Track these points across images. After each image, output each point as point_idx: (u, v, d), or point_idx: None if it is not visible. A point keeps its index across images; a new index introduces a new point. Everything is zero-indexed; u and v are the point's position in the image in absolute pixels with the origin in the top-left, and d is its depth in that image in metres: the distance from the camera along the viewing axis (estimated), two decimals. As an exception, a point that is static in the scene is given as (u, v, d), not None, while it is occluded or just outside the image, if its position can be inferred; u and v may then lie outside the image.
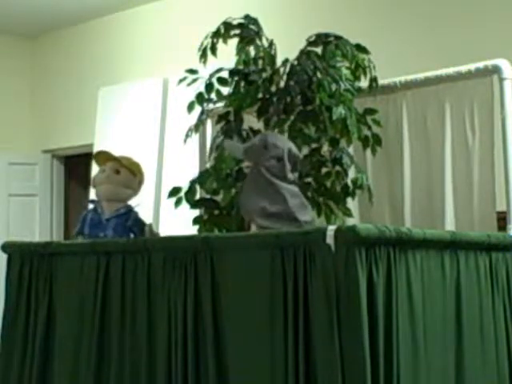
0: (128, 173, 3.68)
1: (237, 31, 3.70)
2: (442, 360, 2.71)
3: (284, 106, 3.62)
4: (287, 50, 3.69)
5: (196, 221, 3.74)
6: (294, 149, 3.16)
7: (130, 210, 3.67)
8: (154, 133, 6.96)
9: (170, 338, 2.93)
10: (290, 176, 3.10)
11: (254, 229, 3.05)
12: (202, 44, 3.69)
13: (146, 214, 4.13)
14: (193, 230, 3.76)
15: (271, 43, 3.70)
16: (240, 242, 2.86)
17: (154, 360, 3.00)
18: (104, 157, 3.78)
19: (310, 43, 3.67)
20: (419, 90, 3.87)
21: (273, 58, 3.68)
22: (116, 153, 3.79)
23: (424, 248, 2.70)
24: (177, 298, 2.92)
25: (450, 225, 3.71)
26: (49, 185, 8.43)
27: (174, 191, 3.73)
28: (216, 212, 3.66)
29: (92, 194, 3.95)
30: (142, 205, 4.17)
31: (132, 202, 3.71)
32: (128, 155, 3.85)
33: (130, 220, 3.62)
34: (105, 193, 3.65)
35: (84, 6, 7.57)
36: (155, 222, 6.24)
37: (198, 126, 3.76)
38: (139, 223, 3.63)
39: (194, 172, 3.90)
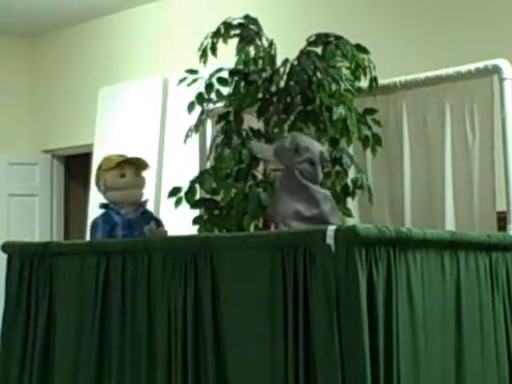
0: (143, 175, 3.84)
1: (237, 31, 3.70)
2: (442, 360, 2.71)
3: (284, 106, 3.62)
4: (287, 50, 3.69)
5: (196, 221, 3.74)
6: (325, 152, 3.16)
7: (145, 209, 3.84)
8: (154, 133, 6.96)
9: (170, 338, 2.93)
10: (321, 178, 3.10)
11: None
12: (201, 44, 3.70)
13: (145, 214, 4.15)
14: (193, 230, 3.76)
15: (271, 43, 3.70)
16: (240, 242, 2.86)
17: (154, 360, 3.00)
18: (114, 158, 3.83)
19: (309, 43, 3.67)
20: (419, 90, 3.87)
21: (273, 58, 3.68)
22: (116, 153, 3.80)
23: (424, 248, 2.69)
24: (177, 298, 2.92)
25: (449, 225, 3.71)
26: (49, 185, 8.43)
27: (174, 191, 3.73)
28: (216, 212, 3.66)
29: (93, 195, 3.97)
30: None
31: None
32: (130, 153, 3.89)
33: (150, 217, 3.78)
34: (134, 197, 3.80)
35: (84, 5, 7.57)
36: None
37: (198, 125, 3.76)
38: (156, 219, 3.81)
39: (193, 172, 3.89)
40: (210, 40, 3.69)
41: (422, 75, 3.84)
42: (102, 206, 3.85)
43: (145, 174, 3.85)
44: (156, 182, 6.74)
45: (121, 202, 3.77)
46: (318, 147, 3.14)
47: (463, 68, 3.71)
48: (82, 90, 7.98)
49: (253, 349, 2.70)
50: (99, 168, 3.87)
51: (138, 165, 3.84)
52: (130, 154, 3.90)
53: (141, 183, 3.84)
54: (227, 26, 3.70)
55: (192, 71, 3.74)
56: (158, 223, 3.77)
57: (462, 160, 3.74)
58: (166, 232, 3.59)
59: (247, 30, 3.68)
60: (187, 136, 3.74)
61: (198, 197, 3.75)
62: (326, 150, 3.59)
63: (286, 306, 2.60)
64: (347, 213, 3.67)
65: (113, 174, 3.79)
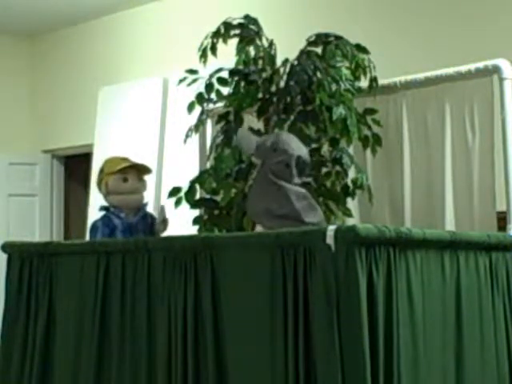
0: (145, 179, 3.86)
1: (237, 31, 3.70)
2: (442, 359, 2.71)
3: (284, 106, 3.62)
4: (287, 50, 3.69)
5: (196, 221, 3.74)
6: (305, 155, 3.16)
7: (145, 212, 3.86)
8: (154, 133, 6.95)
9: (170, 338, 2.93)
10: (297, 180, 3.10)
11: (259, 229, 3.06)
12: (201, 44, 3.70)
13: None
14: (193, 230, 3.76)
15: (271, 43, 3.70)
16: (240, 242, 2.86)
17: (154, 360, 3.00)
18: (118, 161, 3.84)
19: (309, 43, 3.68)
20: (419, 90, 3.87)
21: (273, 58, 3.68)
22: (116, 153, 3.81)
23: (424, 248, 2.69)
24: (177, 297, 2.92)
25: (449, 225, 3.71)
26: (49, 185, 8.43)
27: (174, 191, 3.73)
28: (216, 212, 3.66)
29: (93, 196, 3.97)
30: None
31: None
32: (130, 153, 3.90)
33: (152, 219, 3.84)
34: (135, 202, 3.82)
35: (84, 5, 7.57)
36: (155, 222, 6.23)
37: (198, 125, 3.76)
38: (154, 220, 3.86)
39: (194, 172, 3.90)
40: (209, 40, 3.69)
41: (421, 75, 3.84)
42: (102, 208, 3.86)
43: (146, 177, 3.86)
44: (156, 181, 6.73)
45: (121, 206, 3.79)
46: (298, 151, 3.13)
47: (463, 68, 3.71)
48: (82, 90, 7.98)
49: (253, 348, 2.70)
50: (101, 171, 3.87)
51: (141, 170, 3.85)
52: (132, 156, 3.90)
53: (142, 188, 3.85)
54: (227, 25, 3.70)
55: (192, 71, 3.74)
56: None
57: (462, 160, 3.74)
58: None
59: (247, 30, 3.69)
60: (187, 136, 3.75)
61: (198, 197, 3.75)
62: (327, 150, 3.60)
63: (286, 306, 2.60)
64: (347, 213, 3.67)
65: (115, 178, 3.80)
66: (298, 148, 3.15)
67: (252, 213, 3.12)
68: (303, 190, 3.11)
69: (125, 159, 3.90)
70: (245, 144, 3.26)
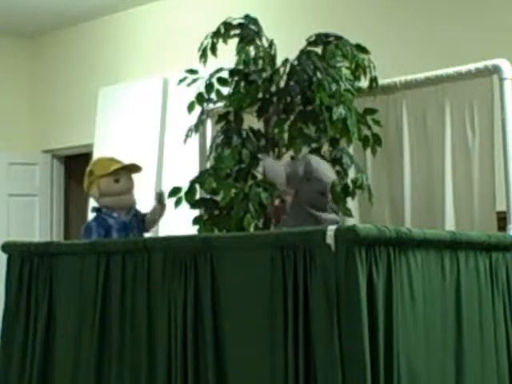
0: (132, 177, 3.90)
1: (237, 31, 3.70)
2: (442, 359, 2.71)
3: (284, 106, 3.62)
4: (287, 50, 3.69)
5: (196, 221, 3.74)
6: (334, 178, 3.16)
7: (136, 211, 3.90)
8: (154, 133, 6.95)
9: (170, 338, 2.93)
10: (330, 205, 3.11)
11: None
12: (201, 44, 3.70)
13: (146, 214, 4.16)
14: (193, 230, 3.77)
15: (271, 43, 3.70)
16: (240, 242, 2.86)
17: (154, 359, 3.00)
18: (106, 162, 3.86)
19: (309, 43, 3.68)
20: (419, 90, 3.87)
21: (273, 58, 3.68)
22: (115, 153, 3.83)
23: (424, 248, 2.69)
24: (177, 297, 2.92)
25: (449, 225, 3.71)
26: (49, 185, 8.42)
27: (174, 191, 3.73)
28: (216, 212, 3.66)
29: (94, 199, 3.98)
30: (143, 205, 4.20)
31: None
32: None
33: (142, 216, 3.89)
34: (128, 202, 3.87)
35: (84, 5, 7.56)
36: (155, 222, 6.23)
37: (198, 125, 3.76)
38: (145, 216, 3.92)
39: (194, 172, 3.90)
40: (210, 40, 3.69)
41: (421, 75, 3.84)
42: (94, 209, 3.88)
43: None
44: (156, 182, 6.73)
45: (114, 207, 3.81)
46: (331, 177, 3.14)
47: (463, 68, 3.71)
48: (82, 90, 7.97)
49: (253, 348, 2.70)
50: (91, 173, 3.88)
51: (132, 169, 3.88)
52: (132, 156, 3.93)
53: (132, 187, 3.88)
54: (227, 25, 3.70)
55: (192, 71, 3.74)
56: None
57: (462, 160, 3.74)
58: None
59: (247, 30, 3.69)
60: (187, 136, 3.75)
61: (198, 197, 3.75)
62: (327, 150, 3.61)
63: (286, 306, 2.60)
64: (347, 213, 3.67)
65: (107, 179, 3.82)
66: (329, 173, 3.15)
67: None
68: (336, 217, 3.12)
69: (112, 159, 3.94)
70: (271, 174, 3.25)
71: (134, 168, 3.91)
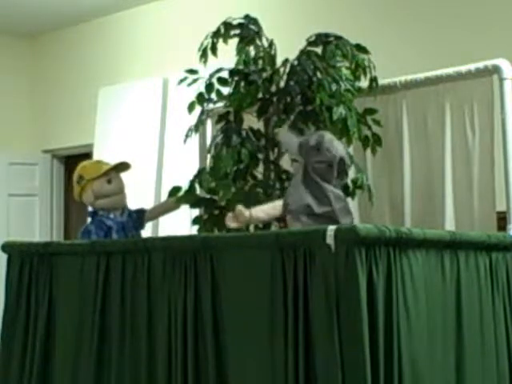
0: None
1: (237, 31, 3.70)
2: (443, 359, 2.71)
3: (284, 106, 3.62)
4: (287, 50, 3.69)
5: (196, 221, 3.74)
6: (347, 157, 3.22)
7: (129, 210, 3.94)
8: (154, 133, 6.95)
9: (170, 338, 2.93)
10: (336, 182, 3.17)
11: (296, 225, 3.08)
12: (202, 44, 3.70)
13: (146, 214, 4.16)
14: (193, 230, 3.77)
15: (271, 43, 3.70)
16: (240, 242, 2.86)
17: (154, 359, 3.00)
18: (96, 166, 3.88)
19: (309, 43, 3.68)
20: (419, 90, 3.87)
21: (273, 58, 3.68)
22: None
23: (424, 248, 2.70)
24: (177, 297, 2.92)
25: (449, 225, 3.71)
26: (49, 185, 8.42)
27: (174, 191, 3.73)
28: (216, 212, 3.66)
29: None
30: (143, 204, 4.20)
31: None
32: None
33: (136, 215, 3.93)
34: (123, 201, 3.94)
35: (84, 6, 7.56)
36: (155, 222, 6.23)
37: (198, 125, 3.76)
38: (139, 213, 3.96)
39: (193, 172, 3.90)
40: (210, 40, 3.69)
41: (421, 75, 3.84)
42: (91, 213, 3.89)
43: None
44: (156, 181, 6.73)
45: (109, 208, 3.82)
46: (341, 152, 3.19)
47: (463, 68, 3.71)
48: (82, 90, 7.97)
49: (253, 348, 2.70)
50: (80, 178, 3.89)
51: (120, 168, 3.89)
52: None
53: (124, 186, 3.90)
54: (227, 26, 3.70)
55: (192, 71, 3.74)
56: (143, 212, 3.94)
57: (462, 160, 3.74)
58: None
59: (247, 30, 3.69)
60: (187, 136, 3.75)
61: (197, 196, 3.75)
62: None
63: (286, 306, 2.60)
64: (347, 213, 3.67)
65: (100, 181, 3.83)
66: (340, 149, 3.20)
67: (290, 208, 3.14)
68: (341, 193, 3.19)
69: (99, 162, 3.97)
70: (286, 143, 3.32)
71: (123, 167, 3.92)
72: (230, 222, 3.16)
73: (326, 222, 3.01)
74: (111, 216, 3.82)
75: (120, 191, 3.90)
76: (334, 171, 3.16)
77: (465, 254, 2.86)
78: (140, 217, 3.97)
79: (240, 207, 3.17)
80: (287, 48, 3.74)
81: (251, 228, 3.57)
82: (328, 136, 3.23)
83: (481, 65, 3.64)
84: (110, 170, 3.87)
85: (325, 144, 3.17)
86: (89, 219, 4.00)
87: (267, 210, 3.22)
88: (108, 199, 3.84)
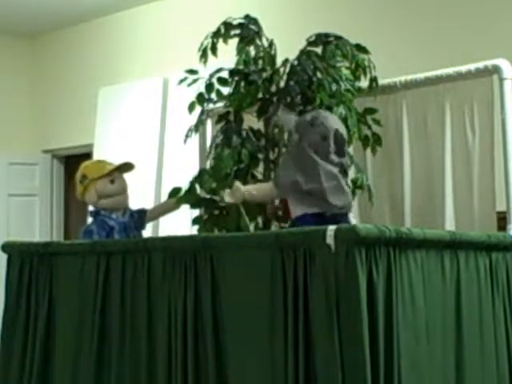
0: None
1: (237, 31, 3.70)
2: (442, 359, 2.71)
3: (284, 106, 3.61)
4: (287, 50, 3.69)
5: (196, 221, 3.74)
6: (343, 132, 3.16)
7: (131, 211, 3.95)
8: (154, 133, 6.95)
9: (170, 338, 2.93)
10: (334, 158, 3.08)
11: (273, 191, 3.11)
12: (202, 44, 3.69)
13: (146, 214, 4.16)
14: (193, 230, 3.77)
15: (271, 43, 3.70)
16: (240, 242, 2.86)
17: (154, 359, 3.00)
18: (98, 165, 3.88)
19: (309, 43, 3.67)
20: (419, 90, 3.87)
21: (273, 58, 3.68)
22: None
23: (424, 248, 2.70)
24: (177, 298, 2.92)
25: (449, 225, 3.71)
26: (49, 185, 8.42)
27: (174, 191, 3.73)
28: (216, 212, 3.66)
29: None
30: (143, 205, 4.20)
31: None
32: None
33: (137, 215, 3.93)
34: (126, 201, 3.93)
35: (84, 6, 7.57)
36: (155, 222, 6.23)
37: (198, 125, 3.76)
38: (140, 213, 3.96)
39: (194, 172, 3.90)
40: (210, 40, 3.69)
41: (421, 75, 3.84)
42: (93, 213, 3.88)
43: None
44: (156, 181, 6.74)
45: (112, 208, 3.82)
46: (336, 125, 3.14)
47: (463, 68, 3.71)
48: (82, 90, 7.97)
49: (253, 348, 2.70)
50: (84, 178, 3.88)
51: (123, 169, 3.89)
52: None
53: (127, 186, 3.90)
54: (227, 25, 3.70)
55: (192, 71, 3.74)
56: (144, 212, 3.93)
57: (462, 160, 3.74)
58: None
59: (247, 30, 3.68)
60: (187, 136, 3.74)
61: (197, 197, 3.75)
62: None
63: (286, 306, 2.60)
64: (347, 213, 3.67)
65: (103, 181, 3.83)
66: (335, 123, 3.16)
67: (279, 184, 3.12)
68: (335, 171, 3.07)
69: (102, 161, 3.96)
70: (284, 120, 3.32)
71: (126, 167, 3.92)
72: (228, 198, 3.19)
73: (312, 199, 2.98)
74: (113, 216, 3.82)
75: (123, 191, 3.91)
76: (330, 143, 3.08)
77: (465, 254, 2.86)
78: (141, 217, 3.97)
79: (237, 183, 3.20)
80: (287, 48, 3.74)
81: (251, 228, 3.57)
82: (324, 113, 3.21)
83: (481, 65, 3.64)
84: (113, 171, 3.87)
85: (320, 119, 3.13)
86: (89, 219, 4.00)
87: (260, 187, 3.26)
88: (111, 199, 3.85)
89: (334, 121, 3.18)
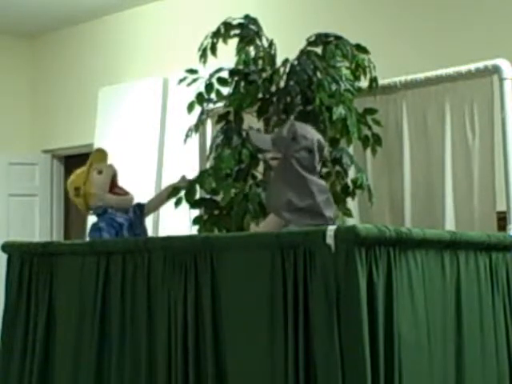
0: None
1: (237, 31, 3.70)
2: (443, 359, 2.71)
3: (284, 106, 3.62)
4: (287, 50, 3.69)
5: (196, 221, 3.74)
6: (322, 140, 3.17)
7: (132, 206, 3.93)
8: (153, 133, 6.95)
9: (170, 338, 2.93)
10: (318, 167, 3.11)
11: (280, 222, 3.04)
12: (201, 44, 3.70)
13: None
14: (193, 230, 3.77)
15: (271, 43, 3.70)
16: (240, 242, 2.86)
17: (154, 359, 2.99)
18: (81, 171, 3.90)
19: (309, 43, 3.68)
20: (419, 90, 3.87)
21: (273, 58, 3.68)
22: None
23: (424, 248, 2.70)
24: (177, 297, 2.92)
25: (449, 225, 3.72)
26: (49, 185, 8.42)
27: (174, 191, 3.73)
28: (216, 212, 3.66)
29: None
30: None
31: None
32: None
33: (138, 210, 3.93)
34: (132, 201, 3.94)
35: (84, 6, 7.56)
36: (155, 222, 6.23)
37: (198, 125, 3.76)
38: (140, 207, 3.96)
39: (194, 172, 3.90)
40: (209, 40, 3.69)
41: (421, 75, 3.84)
42: (101, 210, 3.88)
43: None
44: (156, 181, 6.73)
45: (119, 206, 3.83)
46: (316, 135, 3.15)
47: (463, 68, 3.71)
48: (82, 90, 7.97)
49: (253, 348, 2.70)
50: (77, 189, 3.90)
51: (102, 157, 3.95)
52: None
53: (115, 171, 3.93)
54: (227, 25, 3.70)
55: (192, 71, 3.74)
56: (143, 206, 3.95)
57: (462, 160, 3.74)
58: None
59: (247, 30, 3.69)
60: (187, 136, 3.75)
61: (198, 197, 3.75)
62: (327, 150, 3.60)
63: (286, 306, 2.60)
64: (347, 213, 3.67)
65: (92, 178, 3.85)
66: (313, 132, 3.16)
67: (271, 205, 3.11)
68: (324, 184, 3.12)
69: (79, 169, 3.99)
70: (258, 141, 3.26)
71: (101, 155, 3.96)
72: None
73: (309, 215, 2.99)
74: (119, 214, 3.84)
75: (128, 192, 3.95)
76: (316, 155, 3.09)
77: (465, 254, 2.86)
78: (141, 210, 3.99)
79: None
80: (287, 48, 3.74)
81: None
82: (298, 124, 3.18)
83: (481, 65, 3.64)
84: (91, 165, 3.88)
85: (299, 131, 3.10)
86: (92, 218, 3.99)
87: (265, 224, 3.17)
88: (120, 198, 3.88)
89: (311, 130, 3.16)
